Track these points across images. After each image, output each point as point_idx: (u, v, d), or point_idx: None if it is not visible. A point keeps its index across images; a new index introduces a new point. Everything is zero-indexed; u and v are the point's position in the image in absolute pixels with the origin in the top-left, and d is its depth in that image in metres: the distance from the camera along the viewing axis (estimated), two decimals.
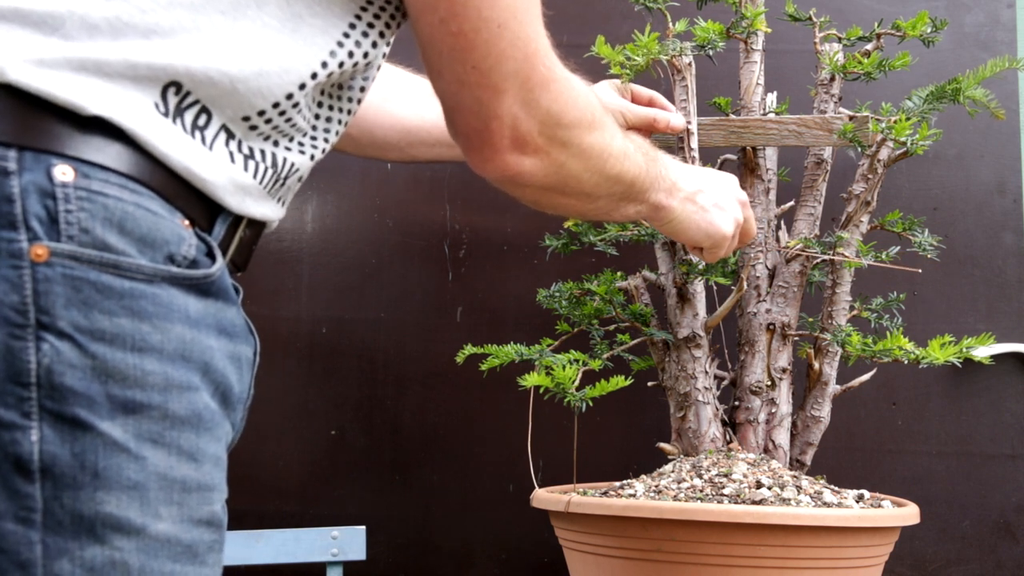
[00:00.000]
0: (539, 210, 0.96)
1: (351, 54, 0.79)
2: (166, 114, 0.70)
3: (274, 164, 0.78)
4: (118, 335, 0.66)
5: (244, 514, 1.81)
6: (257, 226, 0.81)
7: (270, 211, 0.80)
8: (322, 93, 0.81)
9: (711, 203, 1.12)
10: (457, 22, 0.75)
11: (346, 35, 0.78)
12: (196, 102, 0.72)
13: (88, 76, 0.68)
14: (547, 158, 0.84)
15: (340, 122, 0.84)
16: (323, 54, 0.77)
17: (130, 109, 0.69)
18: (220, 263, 0.74)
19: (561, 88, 0.82)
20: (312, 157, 0.83)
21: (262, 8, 0.73)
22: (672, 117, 1.52)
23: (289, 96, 0.76)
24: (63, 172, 0.66)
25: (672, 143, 1.60)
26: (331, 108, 0.83)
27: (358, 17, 0.79)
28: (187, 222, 0.72)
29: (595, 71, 1.51)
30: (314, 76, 0.77)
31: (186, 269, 0.70)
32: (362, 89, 0.86)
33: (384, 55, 0.85)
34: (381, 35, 0.81)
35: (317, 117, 0.82)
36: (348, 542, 1.58)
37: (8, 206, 0.64)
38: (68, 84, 0.67)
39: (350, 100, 0.85)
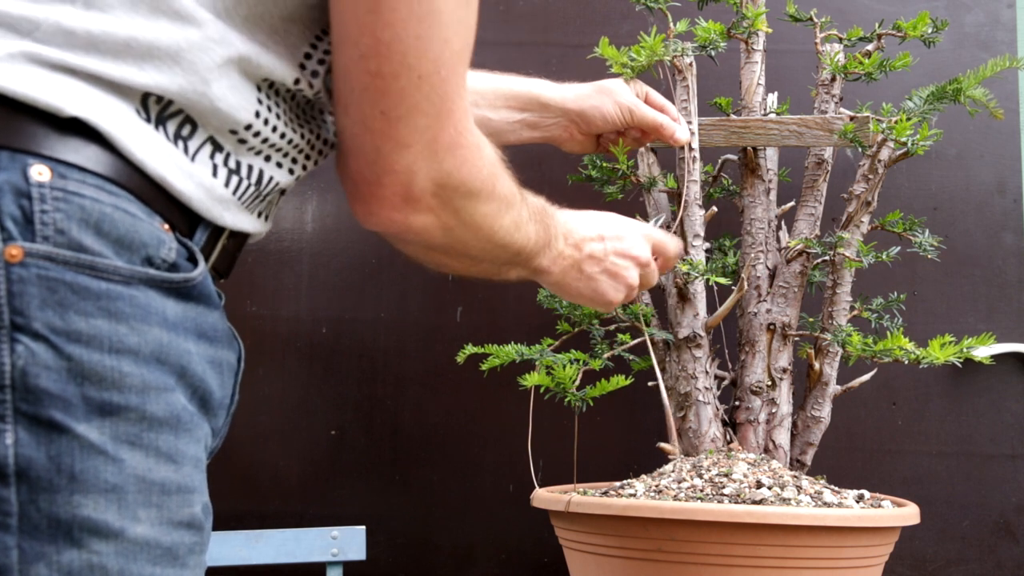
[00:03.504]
0: (419, 263, 0.92)
1: (315, 72, 0.79)
2: (148, 120, 0.70)
3: (258, 181, 0.78)
4: (94, 336, 0.65)
5: (244, 514, 1.81)
6: (240, 236, 0.80)
7: (249, 224, 0.79)
8: (314, 110, 0.81)
9: (600, 270, 1.08)
10: (377, 62, 0.72)
11: (306, 58, 0.78)
12: (179, 111, 0.71)
13: (65, 77, 0.67)
14: (436, 220, 0.80)
15: (329, 144, 0.84)
16: (294, 72, 0.77)
17: (109, 112, 0.68)
18: (202, 267, 0.73)
19: (467, 155, 0.78)
20: (298, 176, 0.82)
21: (228, 35, 0.73)
22: (679, 129, 1.51)
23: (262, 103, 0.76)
24: (39, 172, 0.65)
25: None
26: (320, 128, 0.83)
27: (312, 47, 0.78)
28: (167, 226, 0.71)
29: (594, 70, 1.51)
30: (296, 82, 0.77)
31: (165, 272, 0.69)
32: None
33: None
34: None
35: (312, 135, 0.82)
36: (348, 542, 1.58)
37: None
38: (45, 85, 0.66)
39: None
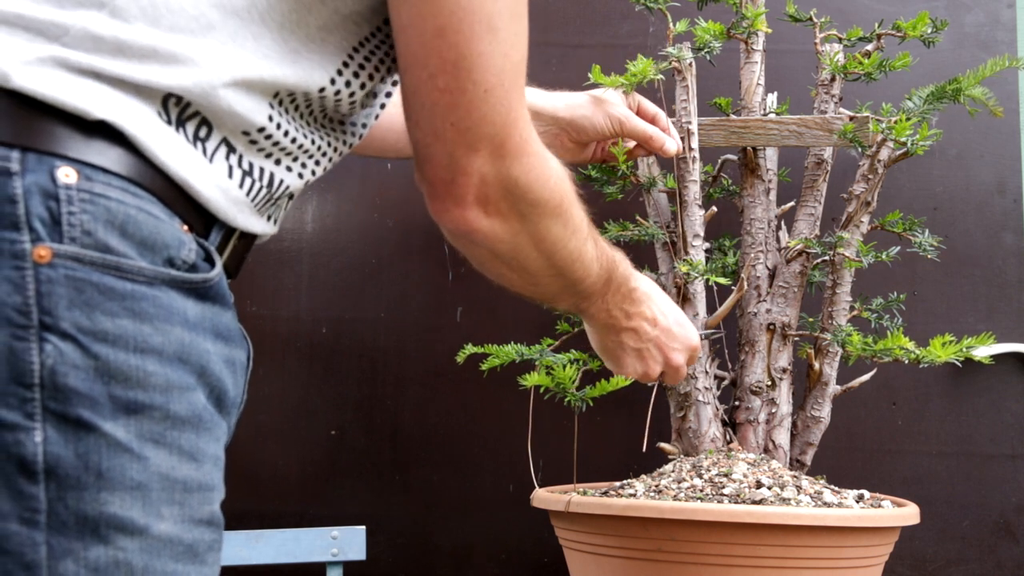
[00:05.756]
0: (481, 272, 0.96)
1: (348, 83, 0.81)
2: (169, 122, 0.71)
3: (270, 184, 0.79)
4: (120, 336, 0.66)
5: (244, 514, 1.81)
6: (249, 237, 0.82)
7: (259, 226, 0.81)
8: (328, 119, 0.83)
9: (633, 346, 1.13)
10: (445, 79, 0.76)
11: (344, 66, 0.80)
12: (196, 113, 0.73)
13: (90, 81, 0.68)
14: (505, 224, 0.85)
15: (338, 151, 0.87)
16: (325, 80, 0.79)
17: (133, 115, 0.69)
18: (219, 268, 0.74)
19: (533, 163, 0.83)
20: (307, 181, 0.84)
21: (259, 41, 0.74)
22: (668, 141, 1.51)
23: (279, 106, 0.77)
24: (66, 174, 0.66)
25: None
26: (333, 136, 0.85)
27: (350, 57, 0.81)
28: (186, 227, 0.73)
29: (591, 69, 1.51)
30: (321, 90, 0.79)
31: (185, 273, 0.71)
32: (364, 126, 0.88)
33: (388, 94, 0.88)
34: (371, 77, 0.83)
35: (324, 142, 0.83)
36: (348, 542, 1.58)
37: (11, 207, 0.64)
38: (71, 89, 0.67)
39: (352, 135, 0.87)
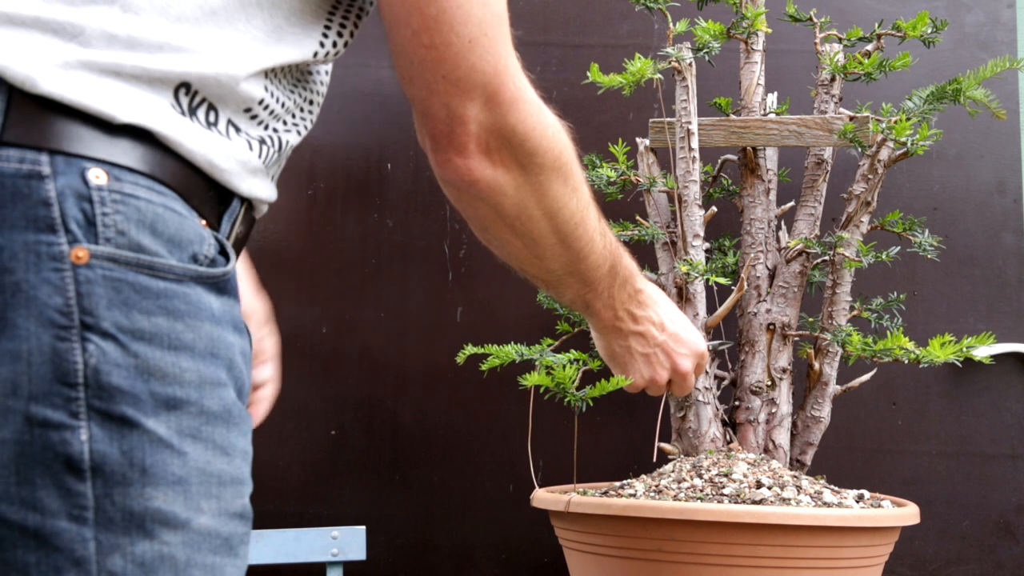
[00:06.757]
0: (487, 245, 0.97)
1: (335, 43, 0.84)
2: (183, 113, 0.73)
3: (279, 148, 0.82)
4: (156, 334, 0.68)
5: None
6: (248, 221, 0.83)
7: (269, 190, 0.83)
8: (301, 73, 0.85)
9: (641, 351, 1.13)
10: (429, 35, 0.78)
11: (327, 28, 0.83)
12: (204, 100, 0.74)
13: (111, 80, 0.69)
14: (507, 175, 0.86)
15: (315, 103, 0.89)
16: (316, 46, 0.82)
17: (155, 112, 0.71)
18: (234, 261, 0.76)
19: (530, 110, 0.84)
20: (300, 134, 0.86)
21: (250, 22, 0.76)
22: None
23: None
24: (96, 175, 0.67)
25: (673, 143, 1.61)
26: (306, 89, 0.87)
27: (329, 19, 0.83)
28: (203, 222, 0.74)
29: (588, 69, 1.51)
30: (315, 55, 0.82)
31: (207, 268, 0.72)
32: (327, 72, 0.90)
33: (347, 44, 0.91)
34: (351, 35, 0.86)
35: (302, 98, 0.86)
36: (348, 542, 1.58)
37: (46, 210, 0.65)
38: (96, 91, 0.68)
39: (322, 83, 0.90)
